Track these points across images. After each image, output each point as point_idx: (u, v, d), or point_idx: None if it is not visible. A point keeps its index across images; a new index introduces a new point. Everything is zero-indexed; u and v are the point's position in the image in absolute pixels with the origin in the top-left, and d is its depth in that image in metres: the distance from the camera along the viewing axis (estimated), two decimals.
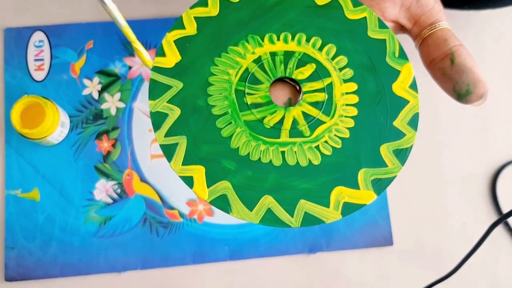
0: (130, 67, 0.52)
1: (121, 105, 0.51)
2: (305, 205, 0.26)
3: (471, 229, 0.52)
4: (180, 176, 0.26)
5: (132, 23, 0.53)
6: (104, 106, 0.51)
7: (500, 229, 0.52)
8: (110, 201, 0.49)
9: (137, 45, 0.25)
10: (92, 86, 0.52)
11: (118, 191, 0.50)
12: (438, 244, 0.51)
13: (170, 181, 0.50)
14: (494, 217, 0.52)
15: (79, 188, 0.49)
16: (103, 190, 0.50)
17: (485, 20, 0.58)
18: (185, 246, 0.49)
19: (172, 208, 0.50)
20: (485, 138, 0.54)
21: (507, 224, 0.51)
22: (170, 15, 0.54)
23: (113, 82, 0.52)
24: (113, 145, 0.50)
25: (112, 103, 0.51)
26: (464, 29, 0.57)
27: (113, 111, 0.51)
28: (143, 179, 0.50)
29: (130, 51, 0.53)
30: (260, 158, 0.27)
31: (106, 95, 0.52)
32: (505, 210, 0.51)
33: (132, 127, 0.51)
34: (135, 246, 0.49)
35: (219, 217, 0.50)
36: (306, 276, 0.49)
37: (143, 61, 0.26)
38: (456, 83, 0.29)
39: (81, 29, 0.53)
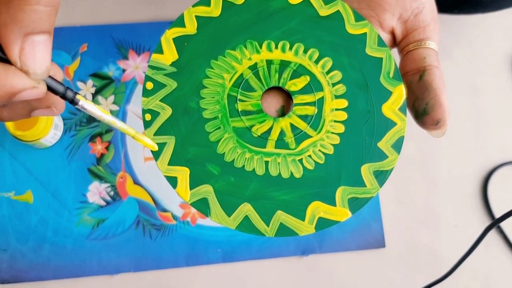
0: (124, 70, 0.52)
1: (115, 107, 0.52)
2: (281, 216, 0.26)
3: (462, 231, 0.52)
4: (165, 176, 0.26)
5: (125, 27, 0.53)
6: None
7: (491, 232, 0.52)
8: (103, 203, 0.49)
9: (138, 136, 0.25)
10: (86, 89, 0.52)
11: (111, 193, 0.50)
12: (430, 246, 0.51)
13: (163, 183, 0.50)
14: (485, 220, 0.52)
15: (72, 191, 0.49)
16: (96, 192, 0.50)
17: (476, 24, 0.59)
18: (178, 248, 0.49)
19: (165, 210, 0.50)
20: (476, 141, 0.55)
21: (498, 227, 0.52)
22: (163, 18, 0.55)
23: (107, 85, 0.52)
24: (107, 148, 0.51)
25: (106, 106, 0.52)
26: (455, 34, 0.58)
27: None
28: (136, 182, 0.50)
29: (124, 54, 0.53)
30: (244, 165, 0.27)
31: (100, 98, 0.52)
32: (496, 212, 0.52)
33: None
34: (128, 249, 0.49)
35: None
36: (299, 278, 0.50)
37: (148, 147, 0.26)
38: (417, 98, 0.29)
39: (75, 32, 0.53)
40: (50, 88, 0.20)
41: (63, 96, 0.21)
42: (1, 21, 0.17)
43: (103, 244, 0.49)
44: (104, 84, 0.52)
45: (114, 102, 0.52)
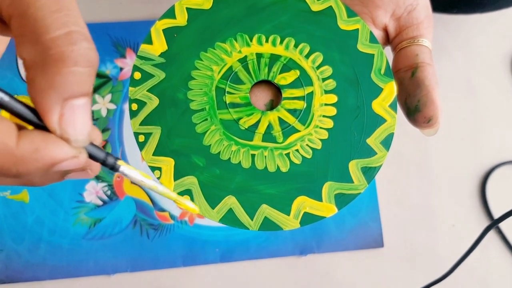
0: (121, 69, 0.52)
1: (112, 106, 0.51)
2: (266, 210, 0.26)
3: (460, 231, 0.52)
4: (149, 166, 0.26)
5: (122, 25, 0.53)
6: (94, 107, 0.51)
7: (490, 232, 0.52)
8: (100, 203, 0.49)
9: (180, 200, 0.24)
10: None
11: (108, 193, 0.49)
12: (428, 246, 0.51)
13: None
14: (483, 219, 0.52)
15: (68, 190, 0.49)
16: (93, 192, 0.49)
17: (474, 24, 0.58)
18: (175, 248, 0.49)
19: (163, 210, 0.49)
20: (474, 140, 0.55)
21: (497, 227, 0.52)
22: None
23: (104, 83, 0.52)
24: (104, 147, 0.50)
25: (103, 104, 0.51)
26: (454, 34, 0.58)
27: (103, 113, 0.51)
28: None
29: (121, 53, 0.53)
30: (230, 158, 0.27)
31: (97, 97, 0.51)
32: (494, 212, 0.52)
33: (123, 128, 0.51)
34: (125, 248, 0.48)
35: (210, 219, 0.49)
36: (297, 278, 0.49)
37: (189, 211, 0.26)
38: (408, 95, 0.29)
39: None
40: (90, 155, 0.18)
41: (104, 163, 0.19)
42: (37, 86, 0.16)
43: (100, 244, 0.48)
44: (102, 83, 0.52)
45: (111, 101, 0.51)
